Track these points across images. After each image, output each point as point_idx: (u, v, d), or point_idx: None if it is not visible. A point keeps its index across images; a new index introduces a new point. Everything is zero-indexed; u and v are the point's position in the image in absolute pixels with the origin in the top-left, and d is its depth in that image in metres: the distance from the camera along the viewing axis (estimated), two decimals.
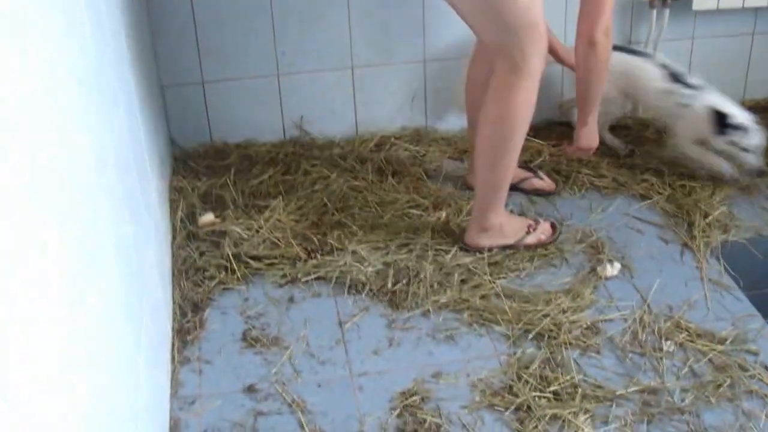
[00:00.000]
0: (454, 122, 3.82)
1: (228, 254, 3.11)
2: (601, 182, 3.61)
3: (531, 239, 3.20)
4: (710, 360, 2.72)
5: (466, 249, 3.17)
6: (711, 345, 2.78)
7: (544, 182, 3.57)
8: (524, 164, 3.62)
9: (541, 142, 3.87)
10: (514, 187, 3.44)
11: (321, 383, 2.64)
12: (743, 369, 2.69)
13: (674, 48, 4.07)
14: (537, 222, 3.24)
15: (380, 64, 3.84)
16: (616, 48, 3.52)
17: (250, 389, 2.62)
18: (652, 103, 3.72)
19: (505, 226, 3.16)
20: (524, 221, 3.24)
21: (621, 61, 3.61)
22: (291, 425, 2.49)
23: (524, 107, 2.92)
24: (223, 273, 3.07)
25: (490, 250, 3.14)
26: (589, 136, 3.31)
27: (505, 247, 3.17)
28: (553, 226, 3.26)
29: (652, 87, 3.62)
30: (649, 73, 3.63)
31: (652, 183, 3.60)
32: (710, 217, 3.37)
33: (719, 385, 2.63)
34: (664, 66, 3.61)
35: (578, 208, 3.47)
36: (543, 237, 3.21)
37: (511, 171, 3.08)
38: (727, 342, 2.80)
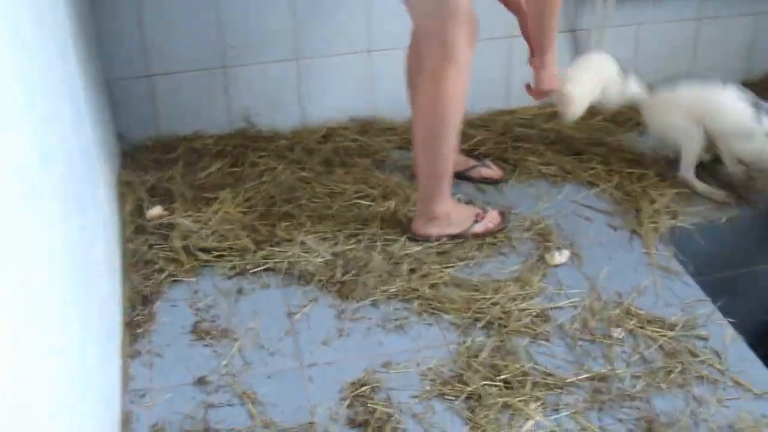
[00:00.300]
0: (401, 112, 3.81)
1: (177, 247, 3.10)
2: (549, 170, 3.62)
3: (479, 228, 3.20)
4: (660, 346, 2.75)
5: (415, 239, 3.16)
6: (661, 331, 2.80)
7: (491, 170, 3.57)
8: (471, 153, 3.62)
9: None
10: (462, 176, 3.46)
11: (271, 374, 2.64)
12: (693, 355, 2.72)
13: (620, 34, 4.09)
14: (485, 210, 3.24)
15: (326, 56, 3.82)
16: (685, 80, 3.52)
17: (201, 381, 2.61)
18: (732, 130, 3.43)
19: (452, 214, 3.16)
20: (472, 210, 3.24)
21: (695, 97, 3.47)
22: (241, 417, 2.48)
23: (455, 95, 2.93)
24: (173, 266, 3.05)
25: (438, 239, 3.14)
26: (550, 77, 3.18)
27: (453, 237, 3.17)
28: (501, 214, 3.26)
29: (739, 119, 3.38)
30: (732, 103, 3.39)
31: (599, 171, 3.61)
32: (658, 203, 3.39)
33: (670, 371, 2.66)
34: (741, 92, 3.40)
35: (526, 196, 3.47)
36: (491, 225, 3.22)
37: (451, 159, 3.08)
38: (677, 328, 2.83)
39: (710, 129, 3.46)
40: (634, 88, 3.56)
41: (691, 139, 3.47)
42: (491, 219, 3.23)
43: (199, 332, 2.79)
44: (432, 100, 2.94)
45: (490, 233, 3.20)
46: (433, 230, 3.15)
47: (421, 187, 3.15)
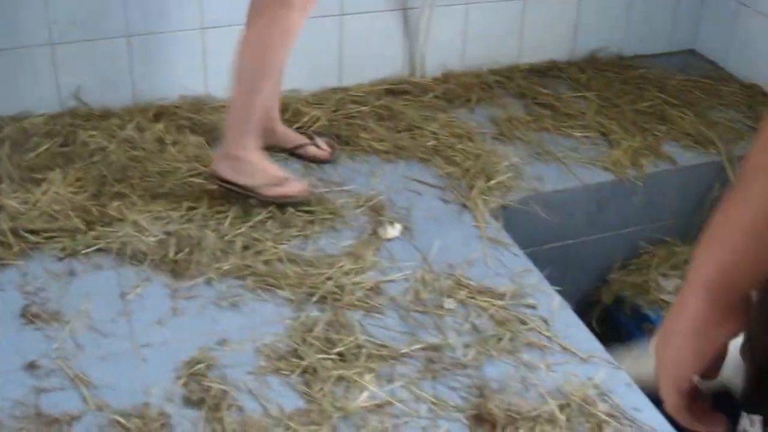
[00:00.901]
0: None
1: (4, 229, 3.02)
2: (382, 146, 3.65)
3: (275, 191, 3.19)
4: (491, 315, 2.81)
5: (215, 179, 3.19)
6: (491, 301, 2.87)
7: (320, 151, 3.56)
8: (302, 130, 3.64)
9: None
10: (293, 154, 3.48)
11: (104, 357, 2.60)
12: (522, 322, 2.80)
13: (449, 13, 4.15)
14: (288, 180, 3.24)
15: (157, 32, 3.78)
16: None
17: (31, 366, 2.55)
18: None
19: (255, 166, 3.16)
20: (277, 172, 3.23)
21: None
22: (74, 401, 2.44)
23: (282, 32, 2.99)
24: (0, 248, 2.98)
25: (230, 183, 3.16)
26: None
27: (246, 189, 3.17)
28: (305, 188, 3.27)
29: None
30: None
31: (430, 146, 3.66)
32: (494, 181, 3.45)
33: (500, 339, 2.72)
34: None
35: (359, 172, 3.50)
36: (289, 192, 3.21)
37: (262, 102, 3.11)
38: (507, 297, 2.89)
39: None
40: None
41: None
42: (292, 187, 3.22)
43: (28, 316, 2.73)
44: (260, 33, 3.00)
45: (285, 199, 3.19)
46: (231, 174, 3.15)
47: (230, 128, 3.15)
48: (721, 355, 1.14)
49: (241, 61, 3.07)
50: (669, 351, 1.14)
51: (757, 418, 1.10)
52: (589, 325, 2.90)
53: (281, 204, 3.19)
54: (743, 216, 1.00)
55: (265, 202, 3.19)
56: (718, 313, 1.08)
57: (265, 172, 3.18)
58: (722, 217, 1.04)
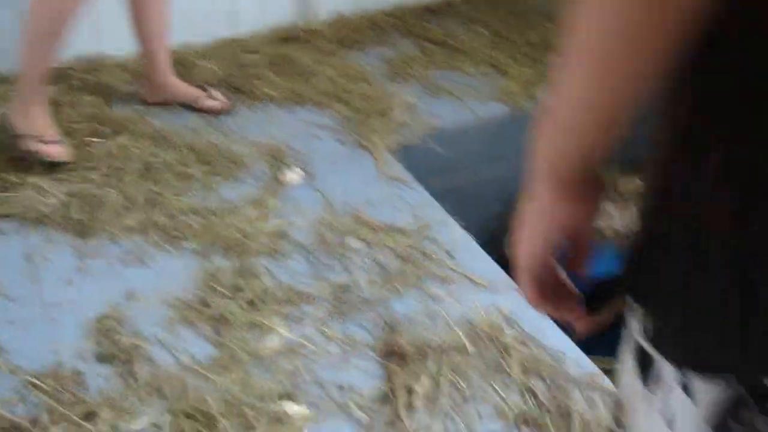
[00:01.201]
0: (128, 48, 3.77)
1: None
2: (278, 93, 3.67)
3: (34, 145, 3.20)
4: (395, 252, 2.86)
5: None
6: (395, 237, 2.92)
7: (216, 102, 3.58)
8: (197, 83, 3.65)
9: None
10: (188, 107, 3.49)
11: (13, 321, 2.60)
12: (427, 257, 2.85)
13: None
14: (51, 141, 3.23)
15: None
16: None
17: None
18: None
19: (26, 114, 3.21)
20: (43, 129, 3.23)
21: None
22: None
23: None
24: None
25: (8, 123, 3.23)
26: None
27: (16, 133, 3.22)
28: (64, 154, 3.24)
29: None
30: None
31: (326, 90, 3.68)
32: (391, 121, 3.49)
33: (405, 275, 2.77)
34: None
35: (257, 121, 3.53)
36: (43, 150, 3.20)
37: (43, 58, 3.19)
38: (410, 233, 2.94)
39: None
40: None
41: None
42: (50, 149, 3.21)
43: None
44: None
45: (38, 157, 3.19)
46: (13, 117, 3.22)
47: (19, 76, 3.21)
48: (579, 243, 1.15)
49: (29, 18, 3.13)
50: (520, 237, 1.14)
51: (639, 310, 1.05)
52: (503, 257, 2.94)
53: (34, 160, 3.19)
54: (571, 91, 0.96)
55: (27, 153, 3.21)
56: (560, 194, 1.07)
57: (32, 124, 3.21)
58: (552, 97, 0.99)
